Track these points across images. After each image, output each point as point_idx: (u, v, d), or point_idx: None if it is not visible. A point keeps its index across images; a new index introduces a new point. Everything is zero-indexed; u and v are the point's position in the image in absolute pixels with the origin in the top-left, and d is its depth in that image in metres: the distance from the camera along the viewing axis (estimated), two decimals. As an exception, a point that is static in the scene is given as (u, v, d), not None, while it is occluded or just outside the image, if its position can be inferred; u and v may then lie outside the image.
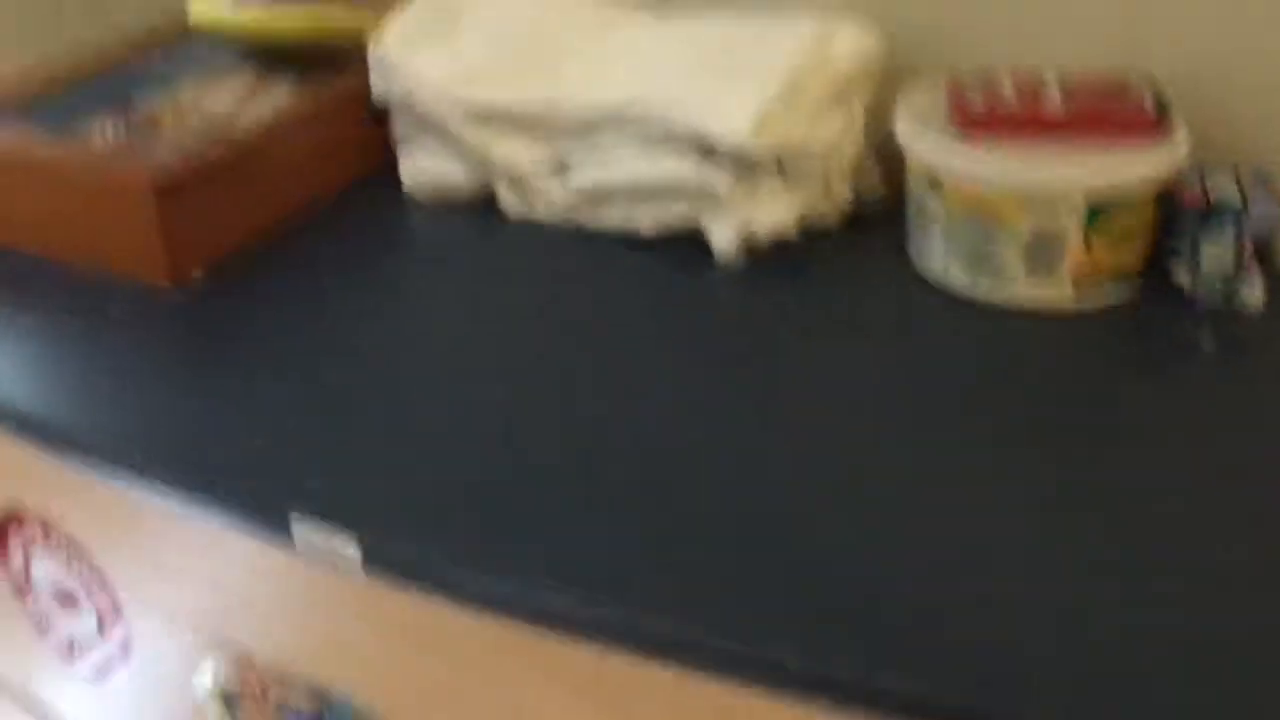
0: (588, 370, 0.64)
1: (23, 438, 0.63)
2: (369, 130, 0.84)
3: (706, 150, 0.73)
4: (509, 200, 0.80)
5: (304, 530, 0.54)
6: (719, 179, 0.72)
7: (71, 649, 0.71)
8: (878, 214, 0.78)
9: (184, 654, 0.66)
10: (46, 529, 0.68)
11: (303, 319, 0.69)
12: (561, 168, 0.78)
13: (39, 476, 0.66)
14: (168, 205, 0.70)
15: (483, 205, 0.81)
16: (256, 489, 0.56)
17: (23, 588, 0.71)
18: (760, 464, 0.56)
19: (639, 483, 0.55)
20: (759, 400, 0.61)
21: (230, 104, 0.80)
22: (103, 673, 0.70)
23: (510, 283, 0.72)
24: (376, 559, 0.53)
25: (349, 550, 0.53)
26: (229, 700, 0.64)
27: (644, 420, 0.60)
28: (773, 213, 0.74)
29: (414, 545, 0.53)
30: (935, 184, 0.69)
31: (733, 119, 0.71)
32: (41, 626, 0.72)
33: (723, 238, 0.73)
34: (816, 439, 0.58)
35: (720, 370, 0.63)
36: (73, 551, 0.67)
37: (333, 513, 0.54)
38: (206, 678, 0.64)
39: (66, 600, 0.70)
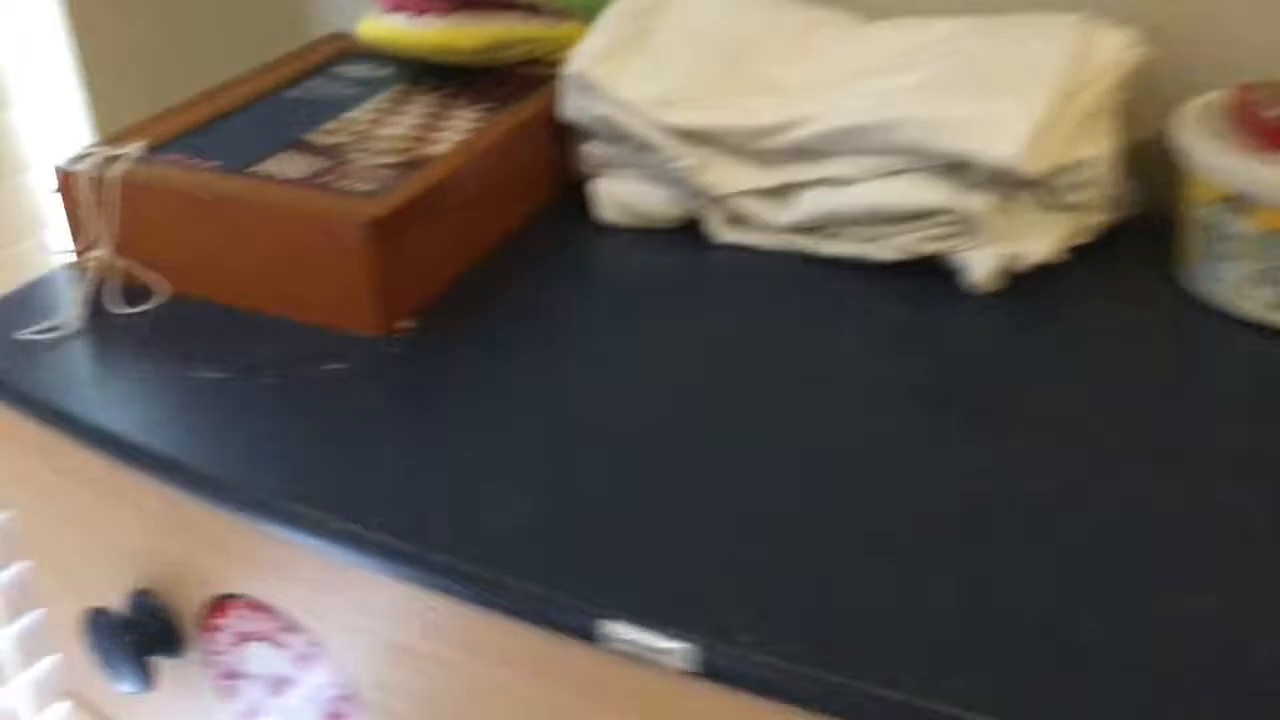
0: (848, 425, 0.57)
1: (225, 507, 0.56)
2: (557, 154, 0.78)
3: (963, 172, 0.66)
4: (720, 228, 0.73)
5: (619, 630, 0.47)
6: (979, 203, 0.65)
7: (282, 739, 0.65)
8: (1132, 231, 0.71)
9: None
10: (258, 611, 0.61)
11: (521, 370, 0.62)
12: (785, 191, 0.71)
13: (245, 553, 0.59)
14: (382, 248, 0.63)
15: (686, 232, 0.74)
16: (561, 589, 0.49)
17: (231, 674, 0.65)
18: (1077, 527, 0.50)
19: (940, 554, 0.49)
20: (1044, 453, 0.54)
21: (413, 129, 0.73)
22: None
23: (734, 319, 0.66)
24: (708, 663, 0.46)
25: (674, 652, 0.47)
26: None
27: (931, 482, 0.53)
28: (1040, 239, 0.67)
29: (746, 645, 0.46)
30: (1234, 203, 0.62)
31: (1003, 139, 0.64)
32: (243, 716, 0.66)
33: (982, 267, 0.66)
34: (1130, 490, 0.51)
35: (994, 419, 0.57)
36: (295, 640, 0.60)
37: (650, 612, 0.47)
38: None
39: (278, 686, 0.63)
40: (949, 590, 0.48)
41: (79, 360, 0.65)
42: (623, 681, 0.50)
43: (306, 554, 0.57)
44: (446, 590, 0.51)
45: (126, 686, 0.65)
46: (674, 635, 0.46)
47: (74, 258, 0.70)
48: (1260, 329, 0.63)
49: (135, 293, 0.69)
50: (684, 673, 0.47)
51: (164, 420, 0.60)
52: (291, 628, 0.60)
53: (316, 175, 0.68)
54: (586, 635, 0.48)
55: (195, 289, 0.69)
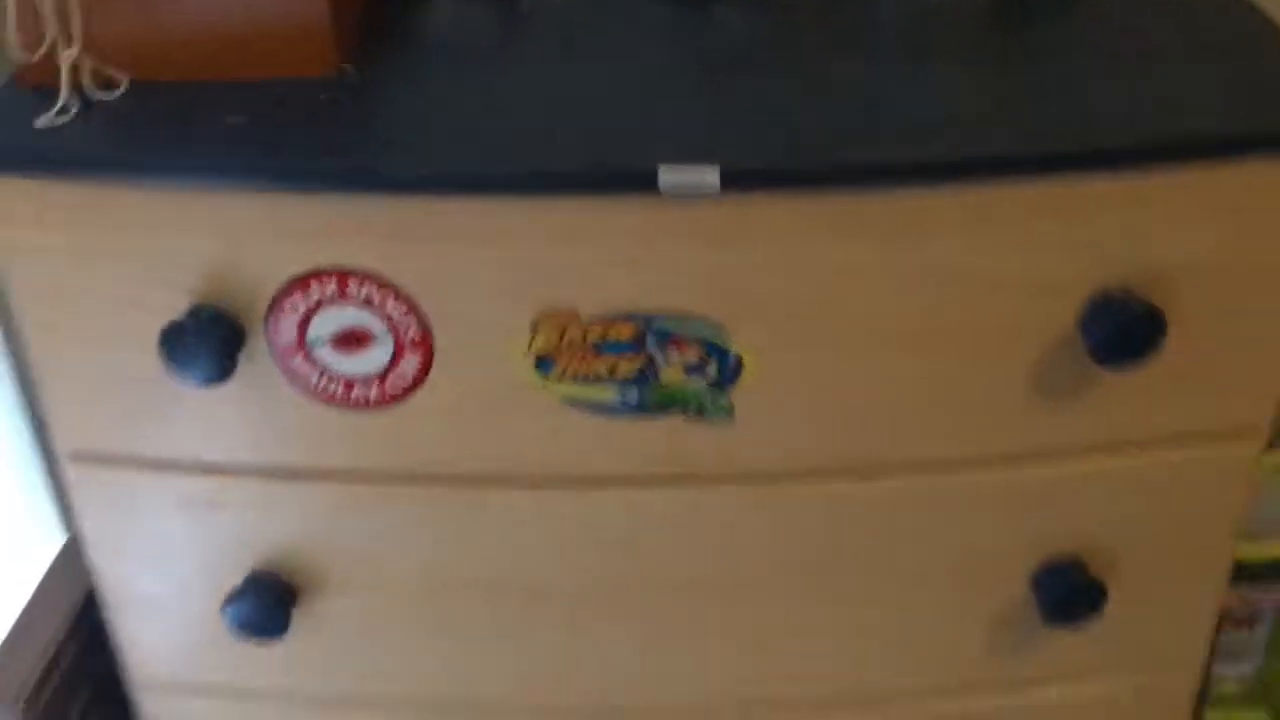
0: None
1: (316, 188, 0.75)
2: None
3: None
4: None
5: (670, 173, 0.73)
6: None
7: (350, 390, 0.83)
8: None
9: (492, 348, 0.81)
10: (344, 279, 0.79)
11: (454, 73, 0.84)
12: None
13: (325, 223, 0.78)
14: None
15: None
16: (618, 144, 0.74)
17: (292, 348, 0.82)
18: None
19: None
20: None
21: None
22: (395, 398, 0.83)
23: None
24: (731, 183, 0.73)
25: (709, 179, 0.73)
26: (542, 360, 0.81)
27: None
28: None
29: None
30: None
31: None
32: (310, 383, 0.83)
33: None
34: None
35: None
36: (377, 290, 0.79)
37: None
38: (520, 346, 0.80)
39: (353, 341, 0.82)
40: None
41: (106, 131, 0.78)
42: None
43: (372, 210, 0.76)
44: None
45: (205, 381, 0.81)
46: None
47: (35, 58, 0.80)
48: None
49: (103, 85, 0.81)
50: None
51: (216, 153, 0.76)
52: (370, 284, 0.79)
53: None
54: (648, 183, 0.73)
55: (154, 74, 0.82)
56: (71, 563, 1.08)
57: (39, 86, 0.80)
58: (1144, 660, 0.99)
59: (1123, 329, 0.80)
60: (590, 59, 0.87)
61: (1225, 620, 1.32)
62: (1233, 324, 0.84)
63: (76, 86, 0.80)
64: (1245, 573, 1.26)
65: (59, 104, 0.79)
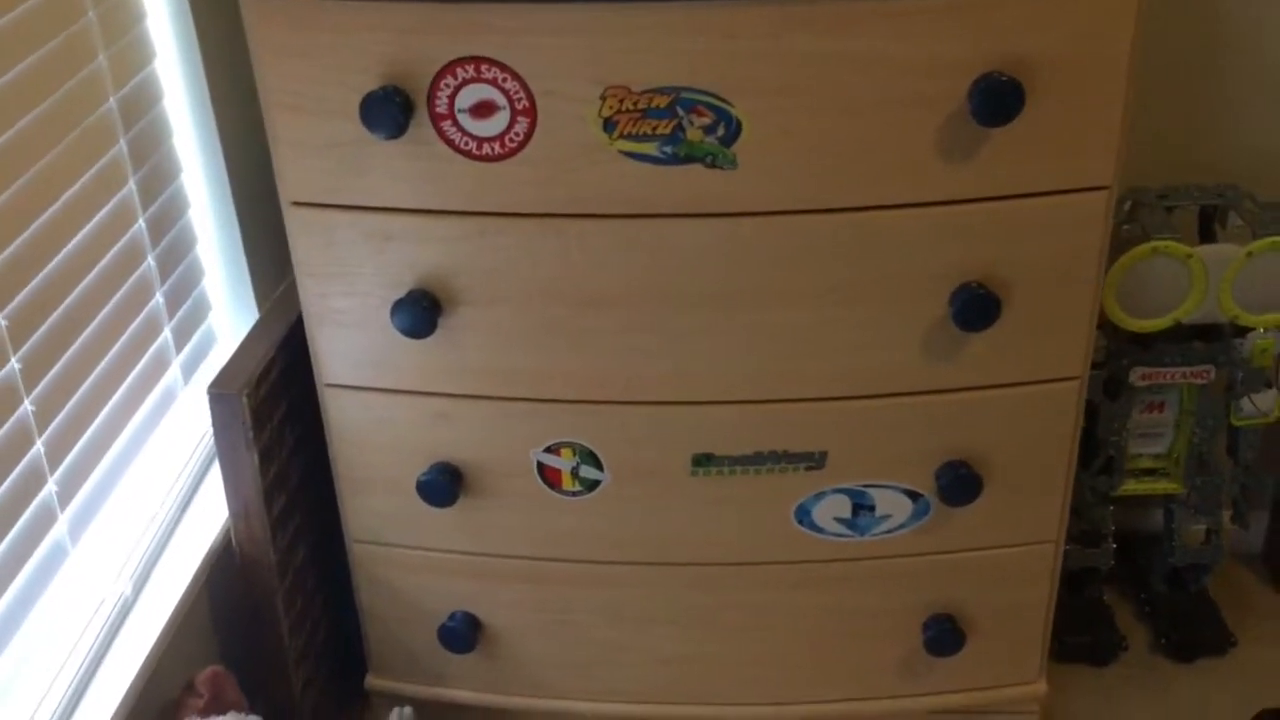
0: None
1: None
2: None
3: None
4: None
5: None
6: None
7: (482, 145, 1.26)
8: None
9: (575, 113, 1.23)
10: (479, 64, 1.21)
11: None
12: None
13: (469, 24, 1.20)
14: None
15: None
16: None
17: (445, 114, 1.25)
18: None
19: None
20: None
21: None
22: (513, 151, 1.25)
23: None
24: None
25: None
26: (609, 122, 1.23)
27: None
28: None
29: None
30: None
31: None
32: (455, 141, 1.26)
33: None
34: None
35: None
36: (500, 72, 1.21)
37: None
38: (594, 111, 1.22)
39: (484, 110, 1.24)
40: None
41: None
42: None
43: (497, 14, 1.18)
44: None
45: (388, 136, 1.23)
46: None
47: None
48: None
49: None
50: None
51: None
52: (497, 67, 1.21)
53: None
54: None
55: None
56: (289, 295, 1.51)
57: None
58: (1036, 368, 1.38)
59: (994, 96, 1.20)
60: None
61: (1140, 405, 1.70)
62: (1080, 100, 1.23)
63: (310, -59, 1.24)
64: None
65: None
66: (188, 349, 1.58)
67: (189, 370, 1.58)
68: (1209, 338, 1.64)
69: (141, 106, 1.46)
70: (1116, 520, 1.79)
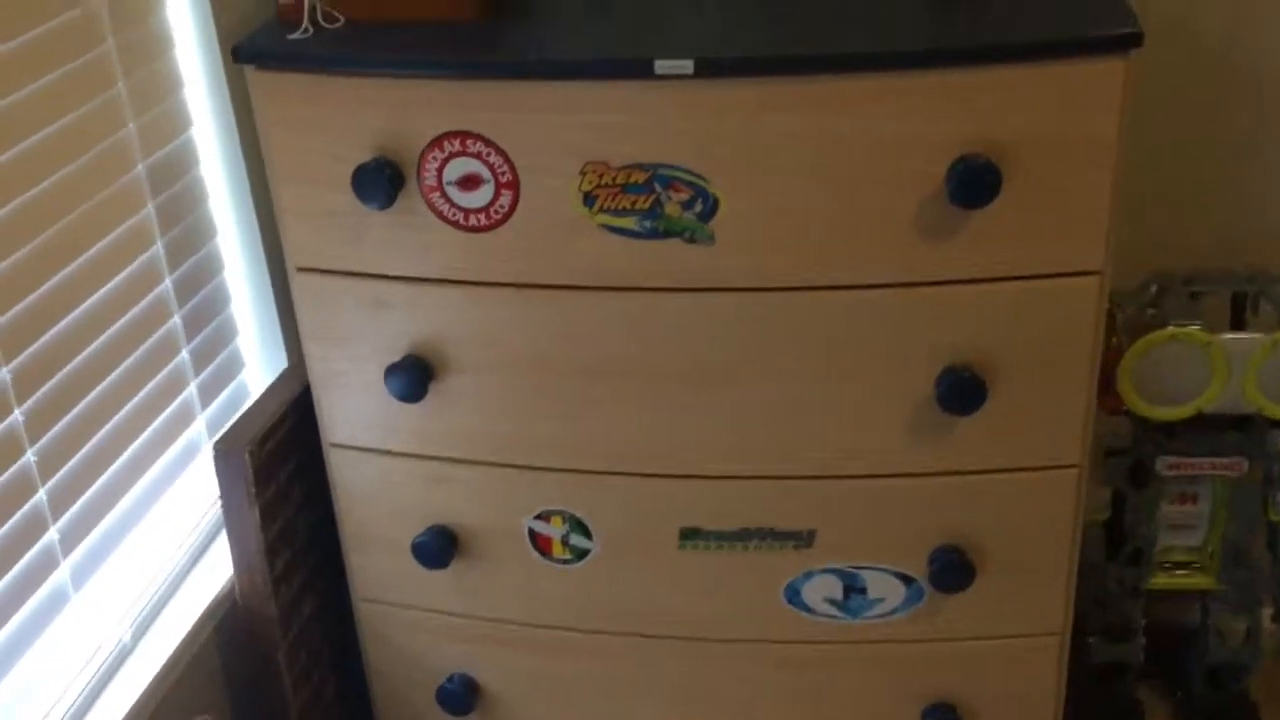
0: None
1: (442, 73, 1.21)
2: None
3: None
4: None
5: (662, 64, 1.16)
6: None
7: (469, 216, 1.29)
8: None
9: (556, 187, 1.25)
10: (465, 139, 1.25)
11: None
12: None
13: (455, 101, 1.24)
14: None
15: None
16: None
17: (434, 186, 1.28)
18: None
19: None
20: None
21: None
22: (498, 222, 1.29)
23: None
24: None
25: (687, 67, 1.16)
26: (588, 196, 1.25)
27: None
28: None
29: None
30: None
31: None
32: (444, 212, 1.29)
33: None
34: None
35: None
36: (485, 146, 1.25)
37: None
38: (574, 186, 1.24)
39: (471, 183, 1.27)
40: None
41: (327, 45, 1.27)
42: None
43: (482, 91, 1.22)
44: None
45: (379, 206, 1.28)
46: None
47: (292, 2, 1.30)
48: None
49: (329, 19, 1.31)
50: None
51: (388, 57, 1.23)
52: (481, 142, 1.24)
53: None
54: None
55: (362, 15, 1.31)
56: (298, 368, 1.56)
57: (291, 19, 1.30)
58: (1030, 454, 1.34)
59: (972, 178, 1.18)
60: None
61: (1170, 496, 1.64)
62: (1065, 181, 1.21)
63: (313, 19, 1.30)
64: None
65: (301, 28, 1.28)
66: (215, 405, 1.64)
67: (217, 426, 1.64)
68: (1244, 428, 1.58)
69: (174, 172, 1.53)
70: (1154, 614, 1.72)
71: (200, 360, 1.60)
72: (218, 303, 1.65)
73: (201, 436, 1.61)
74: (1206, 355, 1.48)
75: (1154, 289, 1.55)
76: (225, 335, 1.67)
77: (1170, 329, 1.47)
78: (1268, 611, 1.69)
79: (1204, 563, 1.67)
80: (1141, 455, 1.59)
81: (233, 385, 1.69)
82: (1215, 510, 1.64)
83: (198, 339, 1.60)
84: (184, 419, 1.58)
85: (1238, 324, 1.55)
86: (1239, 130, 1.59)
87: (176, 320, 1.55)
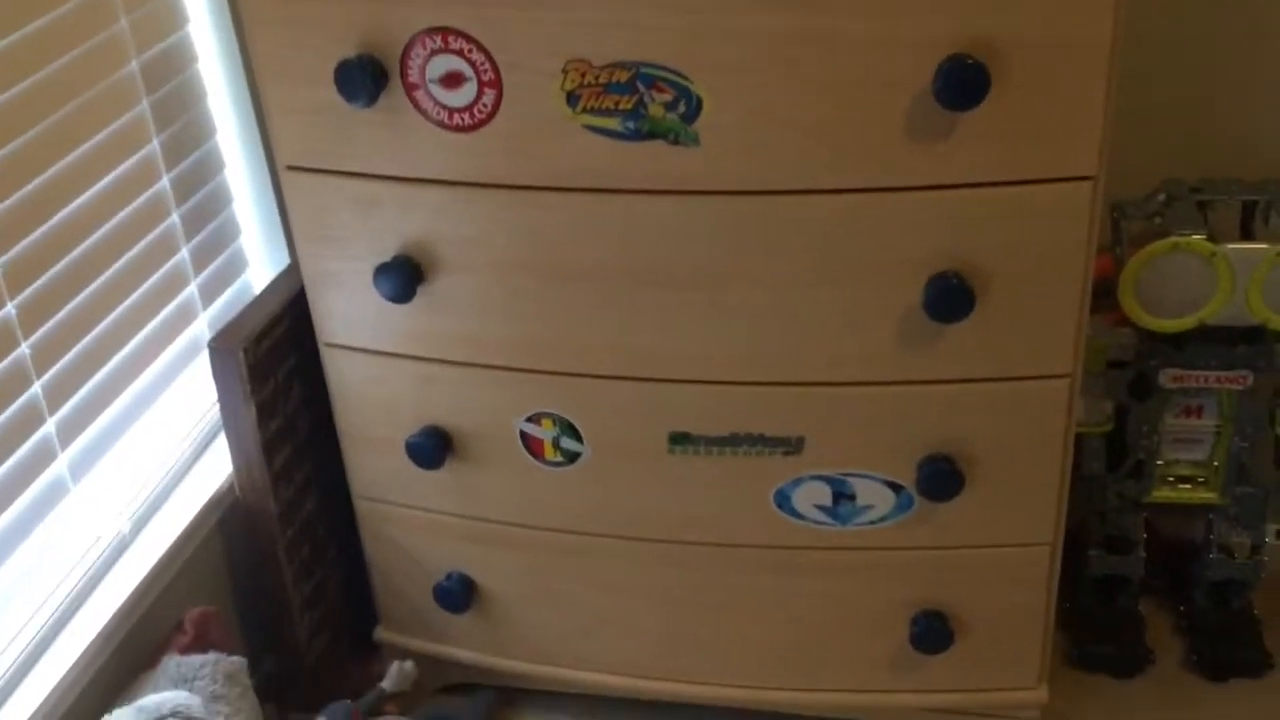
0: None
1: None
2: None
3: None
4: None
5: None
6: None
7: (452, 116, 1.28)
8: None
9: (538, 86, 1.24)
10: (446, 35, 1.23)
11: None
12: None
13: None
14: None
15: None
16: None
17: (417, 84, 1.27)
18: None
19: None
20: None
21: None
22: (481, 122, 1.27)
23: None
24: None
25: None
26: (571, 95, 1.23)
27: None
28: None
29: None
30: None
31: None
32: (428, 111, 1.28)
33: None
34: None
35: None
36: (466, 43, 1.23)
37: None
38: (556, 85, 1.23)
39: (453, 81, 1.26)
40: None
41: None
42: None
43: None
44: None
45: (362, 104, 1.27)
46: None
47: None
48: None
49: None
50: None
51: None
52: (462, 38, 1.23)
53: None
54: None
55: None
56: (297, 267, 1.56)
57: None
58: (1021, 363, 1.32)
59: (959, 79, 1.15)
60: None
61: (1175, 409, 1.62)
62: (1058, 84, 1.17)
63: None
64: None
65: None
66: (218, 304, 1.66)
67: (219, 325, 1.65)
68: (1252, 340, 1.55)
69: (169, 70, 1.53)
70: (1158, 529, 1.71)
71: (201, 259, 1.62)
72: (219, 201, 1.66)
73: (203, 335, 1.63)
74: (1211, 266, 1.44)
75: (1161, 198, 1.51)
76: (227, 234, 1.68)
77: (1173, 238, 1.43)
78: (1273, 527, 1.67)
79: (1209, 477, 1.65)
80: (1144, 367, 1.57)
81: (236, 284, 1.70)
82: (1221, 424, 1.61)
83: (198, 238, 1.61)
84: (185, 317, 1.60)
85: (1247, 235, 1.51)
86: (1251, 35, 1.54)
87: (175, 219, 1.56)
